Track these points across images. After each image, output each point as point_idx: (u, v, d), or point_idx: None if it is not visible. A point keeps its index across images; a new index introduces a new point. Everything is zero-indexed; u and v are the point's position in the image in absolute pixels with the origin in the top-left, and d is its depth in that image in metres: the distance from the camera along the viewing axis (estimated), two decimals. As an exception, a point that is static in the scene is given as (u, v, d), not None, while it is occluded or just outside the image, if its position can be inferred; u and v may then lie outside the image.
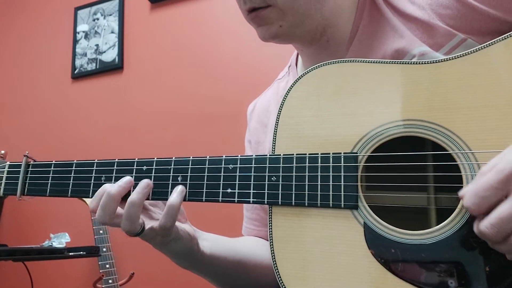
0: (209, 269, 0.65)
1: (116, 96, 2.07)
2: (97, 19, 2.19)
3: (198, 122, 1.86)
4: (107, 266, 1.68)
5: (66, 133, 2.13)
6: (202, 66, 1.91)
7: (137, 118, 2.00)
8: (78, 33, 2.21)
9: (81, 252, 1.52)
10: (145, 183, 0.55)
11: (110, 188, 0.53)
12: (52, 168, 0.61)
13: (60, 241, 1.63)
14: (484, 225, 0.41)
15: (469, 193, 0.43)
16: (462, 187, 0.47)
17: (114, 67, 2.08)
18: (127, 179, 0.55)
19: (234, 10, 1.91)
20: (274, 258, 0.52)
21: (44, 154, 2.21)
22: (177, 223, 0.57)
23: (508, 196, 0.40)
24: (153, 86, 2.00)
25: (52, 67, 2.25)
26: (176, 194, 0.54)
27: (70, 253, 1.55)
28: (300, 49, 0.72)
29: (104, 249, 1.68)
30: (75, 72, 2.17)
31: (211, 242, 0.65)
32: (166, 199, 0.54)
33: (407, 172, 0.51)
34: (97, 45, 2.15)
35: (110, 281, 1.67)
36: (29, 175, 0.62)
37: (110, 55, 2.10)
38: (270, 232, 0.52)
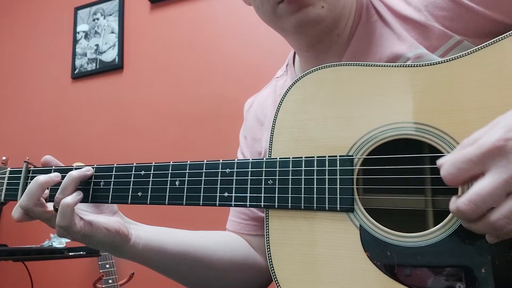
0: (144, 260, 0.66)
1: (116, 96, 2.07)
2: (97, 19, 2.19)
3: (198, 121, 1.86)
4: (107, 266, 1.69)
5: (66, 133, 2.14)
6: (202, 66, 1.91)
7: (137, 118, 2.00)
8: (78, 33, 2.22)
9: (81, 252, 1.53)
10: (87, 168, 0.60)
11: (73, 172, 0.59)
12: (51, 174, 0.61)
13: (60, 241, 1.64)
14: (461, 201, 0.40)
15: (447, 163, 0.42)
16: (457, 189, 0.47)
17: (114, 67, 2.08)
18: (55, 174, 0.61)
19: (234, 10, 1.92)
20: (271, 261, 0.52)
21: (44, 154, 2.22)
22: (95, 219, 0.60)
23: (486, 172, 0.40)
24: (153, 86, 2.00)
25: (52, 67, 2.25)
26: (72, 195, 0.57)
27: (70, 253, 1.55)
28: (305, 49, 0.69)
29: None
30: (75, 72, 2.17)
31: (149, 234, 0.65)
32: (164, 203, 0.55)
33: (403, 175, 0.51)
34: (97, 45, 2.15)
35: (110, 281, 1.67)
36: (29, 181, 0.63)
37: (110, 55, 2.11)
38: (267, 235, 0.53)
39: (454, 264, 0.46)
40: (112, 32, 2.13)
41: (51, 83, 2.24)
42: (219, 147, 1.73)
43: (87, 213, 0.61)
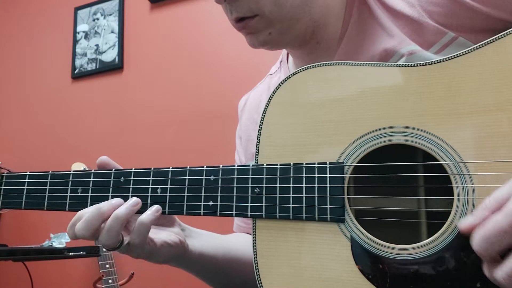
0: (197, 268, 0.65)
1: (116, 96, 2.06)
2: (97, 19, 2.18)
3: (198, 122, 1.84)
4: (107, 266, 1.68)
5: (66, 133, 2.13)
6: (202, 66, 1.89)
7: (137, 118, 1.99)
8: (78, 33, 2.20)
9: (81, 252, 1.52)
10: (135, 201, 0.53)
11: (119, 211, 0.51)
12: (26, 180, 0.58)
13: (60, 241, 1.63)
14: (501, 276, 0.38)
15: (478, 237, 0.39)
16: (453, 199, 0.44)
17: (114, 67, 2.07)
18: (134, 200, 0.53)
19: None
20: (259, 274, 0.50)
21: (44, 154, 2.22)
22: (158, 235, 0.56)
23: None
24: (153, 86, 1.99)
25: (52, 67, 2.25)
26: (150, 212, 0.52)
27: (70, 253, 1.55)
28: (290, 51, 0.70)
29: (104, 249, 1.68)
30: (75, 72, 2.16)
31: (201, 241, 0.64)
32: (143, 212, 0.52)
33: (396, 184, 0.48)
34: (97, 45, 2.14)
35: (110, 281, 1.66)
36: (3, 187, 0.60)
37: (110, 55, 2.09)
38: (254, 247, 0.50)
39: (448, 277, 0.43)
40: (112, 32, 2.11)
41: (51, 83, 2.23)
42: (220, 147, 1.71)
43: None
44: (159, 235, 0.57)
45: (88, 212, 0.51)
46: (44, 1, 2.36)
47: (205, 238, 0.66)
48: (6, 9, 2.45)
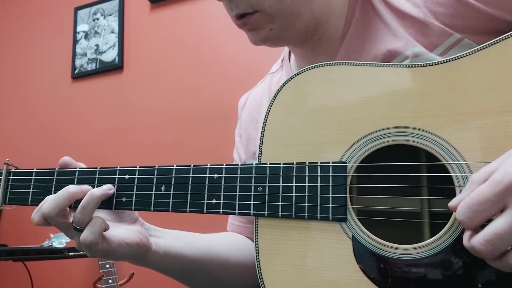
0: (164, 267, 0.64)
1: (116, 96, 2.06)
2: (97, 19, 2.18)
3: (198, 122, 1.85)
4: (107, 266, 1.68)
5: (66, 133, 2.13)
6: (202, 66, 1.90)
7: (137, 118, 1.99)
8: (78, 33, 2.21)
9: (81, 252, 1.51)
10: (109, 186, 0.56)
11: (95, 190, 0.55)
12: (33, 177, 0.59)
13: (60, 241, 1.63)
14: (477, 241, 0.38)
15: (462, 205, 0.39)
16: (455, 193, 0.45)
17: (114, 67, 2.08)
18: (108, 185, 0.56)
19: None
20: (261, 272, 0.50)
21: (44, 154, 2.22)
22: (116, 233, 0.56)
23: (505, 210, 0.37)
24: (153, 86, 1.99)
25: (52, 67, 2.25)
26: (102, 215, 0.55)
27: (70, 253, 1.55)
28: (292, 48, 0.70)
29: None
30: (75, 72, 2.17)
31: (168, 240, 0.63)
32: (149, 210, 0.53)
33: (399, 183, 0.49)
34: (97, 45, 2.14)
35: (110, 281, 1.66)
36: (10, 183, 0.61)
37: (110, 55, 2.09)
38: (256, 245, 0.51)
39: (449, 278, 0.44)
40: (112, 32, 2.12)
41: (51, 83, 2.23)
42: (219, 147, 1.71)
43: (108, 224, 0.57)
44: (119, 233, 0.57)
45: (57, 193, 0.55)
46: (44, 1, 2.36)
47: (172, 237, 0.65)
48: (6, 9, 2.45)
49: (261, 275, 0.50)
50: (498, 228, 0.37)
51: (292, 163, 0.51)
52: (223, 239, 0.74)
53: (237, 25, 0.61)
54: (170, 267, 0.64)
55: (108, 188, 0.55)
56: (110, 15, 2.14)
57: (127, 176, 0.55)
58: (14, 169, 0.60)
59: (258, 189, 0.51)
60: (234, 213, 0.51)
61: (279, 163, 0.51)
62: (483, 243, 0.37)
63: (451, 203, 0.42)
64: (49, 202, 0.53)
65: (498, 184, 0.37)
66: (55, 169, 0.58)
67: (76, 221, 0.53)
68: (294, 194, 0.50)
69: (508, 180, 0.37)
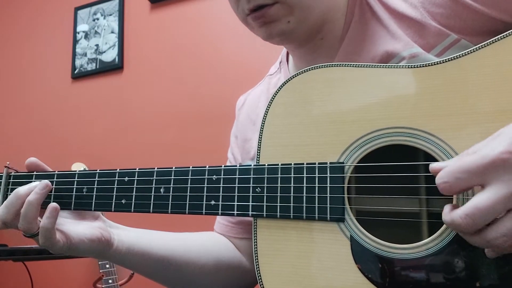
0: (129, 264, 0.65)
1: (116, 96, 2.06)
2: (97, 19, 2.18)
3: (198, 122, 1.85)
4: (107, 266, 1.68)
5: (66, 133, 2.13)
6: (202, 66, 1.90)
7: (137, 118, 1.99)
8: (78, 33, 2.21)
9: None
10: (44, 183, 0.57)
11: (30, 197, 0.55)
12: (33, 180, 0.59)
13: (60, 241, 1.63)
14: (458, 214, 0.38)
15: (444, 170, 0.40)
16: (453, 199, 0.45)
17: (114, 67, 2.07)
18: (42, 183, 0.57)
19: (234, 9, 1.90)
20: (259, 272, 0.50)
21: (43, 154, 2.22)
22: (76, 230, 0.58)
23: (486, 185, 0.38)
24: (153, 86, 1.99)
25: (52, 67, 2.25)
26: (49, 218, 0.54)
27: (70, 254, 1.55)
28: (292, 50, 0.69)
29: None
30: (75, 72, 2.17)
31: (131, 237, 0.64)
32: (148, 212, 0.53)
33: (397, 184, 0.49)
34: (97, 45, 2.14)
35: (110, 281, 1.66)
36: (10, 186, 0.61)
37: (110, 55, 2.10)
38: (255, 246, 0.51)
39: (447, 277, 0.44)
40: (112, 32, 2.12)
41: (51, 83, 2.23)
42: (219, 147, 1.71)
43: (68, 222, 0.59)
44: (79, 230, 0.58)
45: (8, 198, 0.56)
46: (44, 1, 2.36)
47: (138, 234, 0.66)
48: (6, 9, 2.46)
49: (260, 276, 0.50)
50: (479, 203, 0.37)
51: (290, 164, 0.51)
52: (199, 240, 0.74)
53: (248, 20, 0.60)
54: (135, 263, 0.65)
55: (42, 187, 0.56)
56: (110, 15, 2.15)
57: (126, 178, 0.55)
58: (14, 173, 0.61)
59: (257, 190, 0.51)
60: (233, 214, 0.52)
61: (277, 164, 0.51)
62: (463, 216, 0.38)
63: (433, 166, 0.42)
64: (2, 209, 0.56)
65: (484, 158, 0.38)
66: (54, 172, 0.59)
67: (23, 230, 0.55)
68: (292, 194, 0.50)
69: (494, 156, 0.37)
